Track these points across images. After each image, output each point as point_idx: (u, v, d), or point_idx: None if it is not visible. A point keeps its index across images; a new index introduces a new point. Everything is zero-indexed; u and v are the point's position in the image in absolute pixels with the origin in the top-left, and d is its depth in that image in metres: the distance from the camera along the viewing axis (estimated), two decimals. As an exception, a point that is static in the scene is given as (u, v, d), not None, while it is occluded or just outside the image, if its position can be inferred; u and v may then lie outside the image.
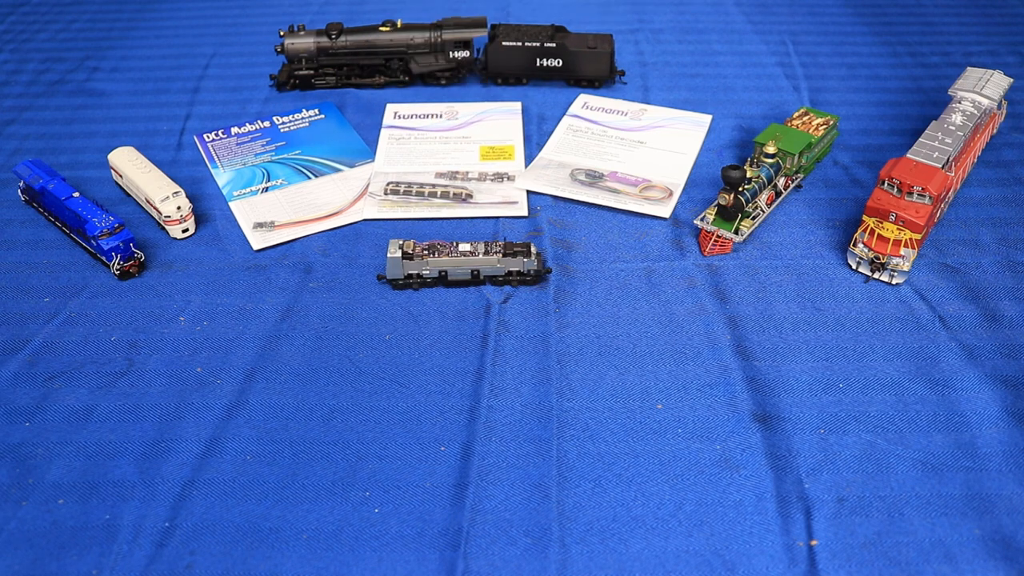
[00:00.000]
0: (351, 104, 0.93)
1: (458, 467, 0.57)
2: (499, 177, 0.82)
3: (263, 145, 0.87)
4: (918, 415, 0.60)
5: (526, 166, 0.84)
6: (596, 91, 0.95)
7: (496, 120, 0.91)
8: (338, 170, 0.84)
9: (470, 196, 0.80)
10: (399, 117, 0.91)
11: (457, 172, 0.83)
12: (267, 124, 0.89)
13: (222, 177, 0.83)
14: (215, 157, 0.85)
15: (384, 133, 0.89)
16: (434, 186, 0.81)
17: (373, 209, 0.78)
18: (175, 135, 0.89)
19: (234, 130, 0.89)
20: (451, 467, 0.57)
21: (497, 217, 0.78)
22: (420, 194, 0.80)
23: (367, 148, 0.87)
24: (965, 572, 0.51)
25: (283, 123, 0.90)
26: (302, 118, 0.91)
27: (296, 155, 0.85)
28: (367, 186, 0.81)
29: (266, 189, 0.81)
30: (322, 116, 0.91)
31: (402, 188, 0.80)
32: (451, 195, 0.80)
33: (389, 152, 0.86)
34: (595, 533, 0.53)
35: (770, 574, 0.51)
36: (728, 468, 0.57)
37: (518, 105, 0.93)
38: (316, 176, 0.83)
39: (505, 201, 0.79)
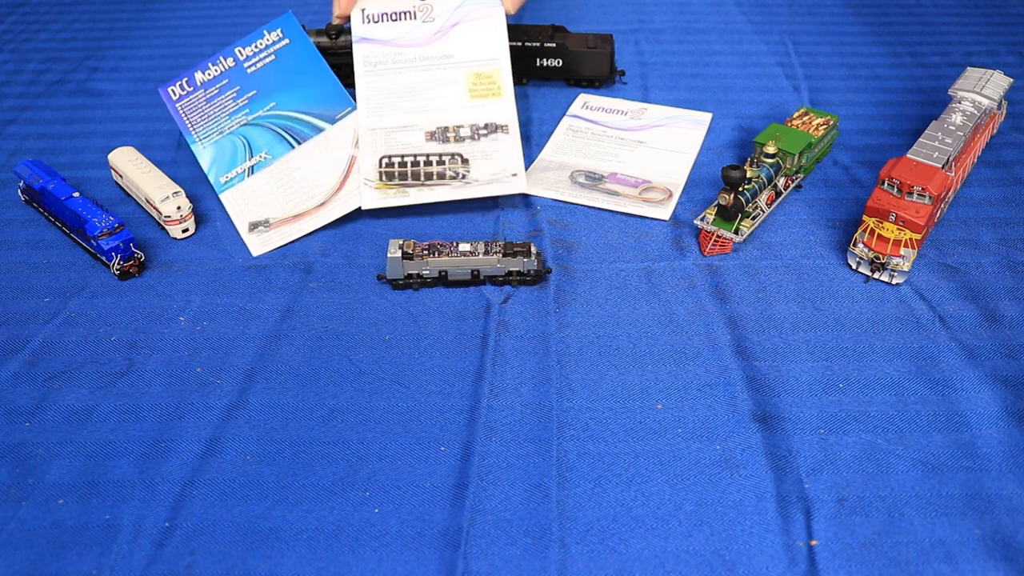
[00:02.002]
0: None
1: (458, 467, 0.57)
2: (492, 129, 0.77)
3: (234, 99, 0.80)
4: (918, 415, 0.60)
5: (515, 98, 0.78)
6: (596, 91, 0.95)
7: (476, 19, 0.82)
8: (320, 129, 0.78)
9: (467, 168, 0.75)
10: (369, 20, 0.82)
11: (448, 128, 0.77)
12: (231, 62, 0.81)
13: (204, 157, 0.80)
14: (189, 126, 0.80)
15: (357, 53, 0.80)
16: (428, 157, 0.75)
17: (372, 199, 0.75)
18: (175, 135, 0.89)
19: (199, 77, 0.81)
20: (451, 467, 0.57)
21: (498, 197, 0.77)
22: (416, 175, 0.75)
23: (343, 91, 0.81)
24: (965, 572, 0.51)
25: (248, 60, 0.82)
26: (266, 47, 0.82)
27: (271, 109, 0.79)
28: (352, 157, 0.76)
29: (251, 170, 0.77)
30: (287, 40, 0.82)
31: (396, 167, 0.75)
32: (447, 175, 0.76)
33: (369, 90, 0.79)
34: (595, 533, 0.53)
35: (770, 574, 0.51)
36: (728, 468, 0.57)
37: None
38: (299, 142, 0.78)
39: (504, 174, 0.75)
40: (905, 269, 0.69)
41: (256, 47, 0.82)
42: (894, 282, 0.70)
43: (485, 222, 0.77)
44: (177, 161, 0.86)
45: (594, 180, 0.81)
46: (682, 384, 0.62)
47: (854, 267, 0.71)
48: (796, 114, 0.84)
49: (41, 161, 0.79)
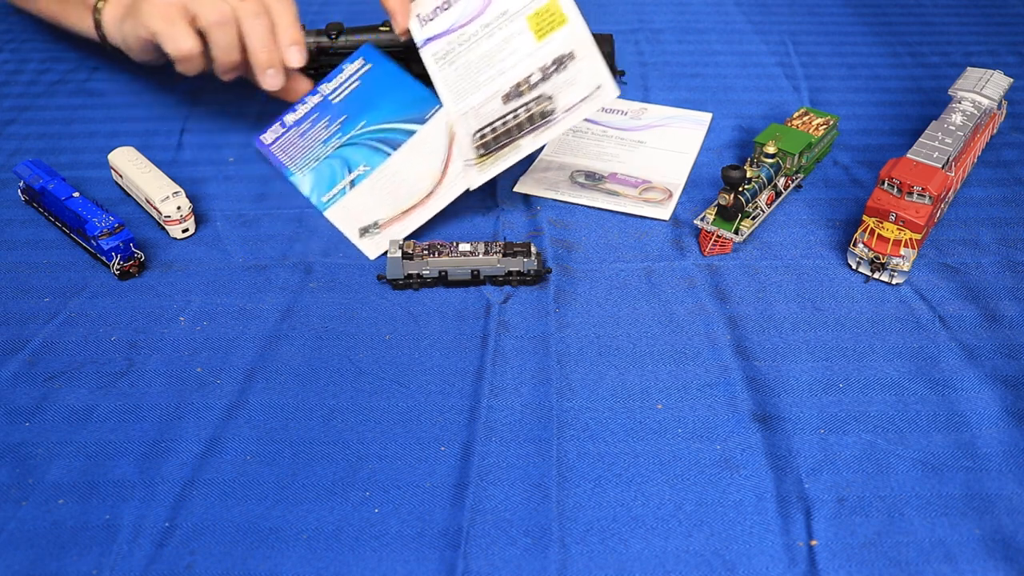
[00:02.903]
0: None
1: (458, 467, 0.57)
2: (561, 62, 0.75)
3: (325, 128, 0.81)
4: (918, 415, 0.60)
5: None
6: (596, 91, 0.95)
7: None
8: (412, 132, 0.78)
9: (553, 104, 0.74)
10: (425, 22, 0.81)
11: (520, 83, 0.76)
12: (317, 99, 0.83)
13: (304, 184, 0.79)
14: (286, 162, 0.80)
15: (426, 54, 0.80)
16: (516, 112, 0.75)
17: (476, 176, 0.74)
18: (175, 135, 0.89)
19: (288, 118, 0.83)
20: (451, 467, 0.57)
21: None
22: (508, 132, 0.74)
23: (429, 93, 0.81)
24: (965, 572, 0.51)
25: (332, 93, 0.83)
26: (348, 78, 0.84)
27: (363, 128, 0.80)
28: (450, 146, 0.76)
29: (352, 184, 0.77)
30: (368, 65, 0.84)
31: (489, 135, 0.75)
32: (536, 118, 0.74)
33: (447, 81, 0.79)
34: (595, 533, 0.53)
35: (770, 574, 0.51)
36: (728, 468, 0.57)
37: None
38: (394, 148, 0.78)
39: (591, 90, 0.73)
40: (905, 269, 0.69)
41: (339, 80, 0.84)
42: (894, 282, 0.70)
43: (485, 222, 0.77)
44: (177, 161, 0.86)
45: (594, 180, 0.81)
46: (682, 384, 0.62)
47: (854, 267, 0.71)
48: (796, 114, 0.84)
49: (41, 161, 0.79)
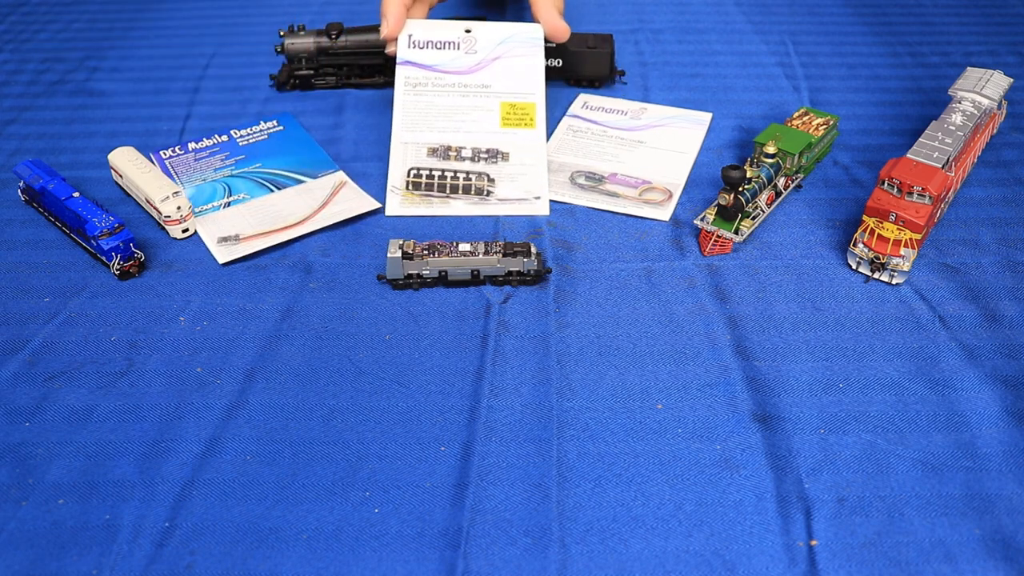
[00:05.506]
0: (351, 104, 0.93)
1: (458, 467, 0.57)
2: (509, 156, 0.80)
3: (222, 160, 0.84)
4: (918, 415, 0.60)
5: (547, 130, 0.82)
6: (596, 91, 0.95)
7: (517, 56, 0.85)
8: (301, 182, 0.81)
9: (492, 186, 0.78)
10: (415, 46, 0.85)
11: (479, 149, 0.80)
12: (225, 138, 0.87)
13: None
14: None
15: (400, 73, 0.84)
16: (456, 172, 0.78)
17: (395, 205, 0.78)
18: (175, 135, 0.89)
19: (191, 145, 0.86)
20: (451, 467, 0.57)
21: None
22: (442, 187, 0.78)
23: (329, 159, 0.84)
24: (965, 572, 0.51)
25: (241, 136, 0.87)
26: (260, 131, 0.88)
27: (256, 168, 0.83)
28: (334, 192, 0.79)
29: (228, 204, 0.79)
30: (281, 128, 0.88)
31: (424, 178, 0.78)
32: (472, 190, 0.78)
33: (406, 107, 0.83)
34: (595, 533, 0.53)
35: (770, 574, 0.51)
36: (728, 468, 0.57)
37: (538, 29, 0.86)
38: (277, 188, 0.81)
39: (527, 196, 0.78)
40: (905, 269, 0.69)
41: (251, 131, 0.88)
42: (894, 282, 0.70)
43: (485, 222, 0.77)
44: (177, 161, 0.86)
45: (594, 181, 0.81)
46: (682, 384, 0.62)
47: (854, 267, 0.71)
48: (796, 114, 0.84)
49: (41, 161, 0.79)
